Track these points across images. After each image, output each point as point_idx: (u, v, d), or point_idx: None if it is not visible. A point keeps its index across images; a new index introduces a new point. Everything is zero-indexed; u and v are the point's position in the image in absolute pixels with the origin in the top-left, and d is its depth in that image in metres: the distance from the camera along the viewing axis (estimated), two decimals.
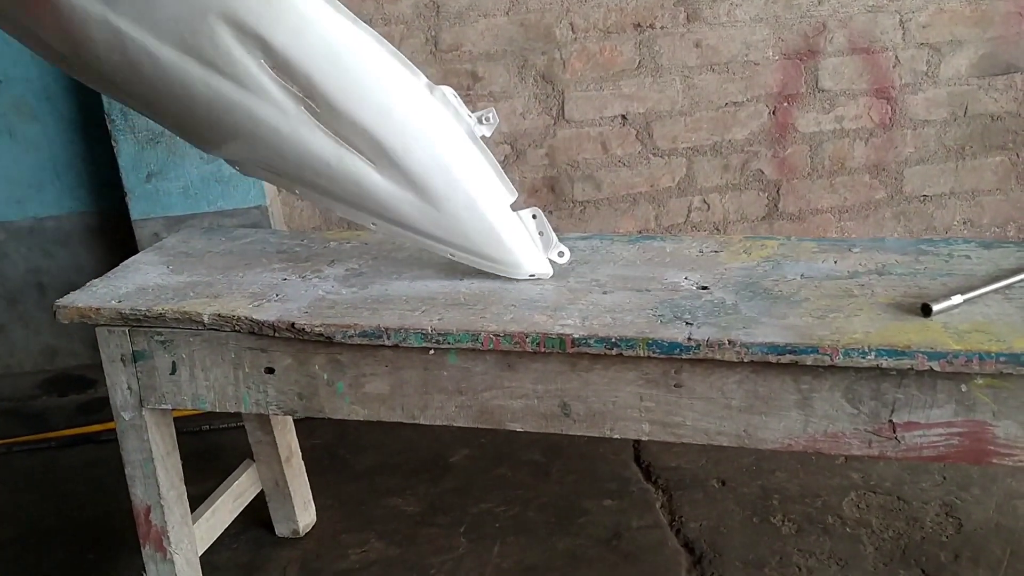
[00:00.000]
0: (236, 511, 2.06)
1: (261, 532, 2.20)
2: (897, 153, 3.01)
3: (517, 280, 1.61)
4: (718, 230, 3.06)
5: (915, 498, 2.12)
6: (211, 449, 2.54)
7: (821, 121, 2.96)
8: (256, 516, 2.19)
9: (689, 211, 3.04)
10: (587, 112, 2.91)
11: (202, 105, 1.53)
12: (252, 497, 2.12)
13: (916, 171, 3.04)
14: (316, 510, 2.23)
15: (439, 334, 1.44)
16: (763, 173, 3.00)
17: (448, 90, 1.64)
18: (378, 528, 2.19)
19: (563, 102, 2.89)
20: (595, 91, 2.89)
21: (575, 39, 2.83)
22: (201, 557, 1.89)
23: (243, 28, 1.44)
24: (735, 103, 2.93)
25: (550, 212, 2.99)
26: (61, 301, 1.67)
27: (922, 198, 3.07)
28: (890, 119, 2.97)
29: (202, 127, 1.63)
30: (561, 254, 1.63)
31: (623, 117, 2.92)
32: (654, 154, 2.96)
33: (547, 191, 2.98)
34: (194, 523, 1.87)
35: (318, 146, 1.54)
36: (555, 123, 2.91)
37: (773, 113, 2.94)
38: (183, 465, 1.84)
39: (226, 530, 2.02)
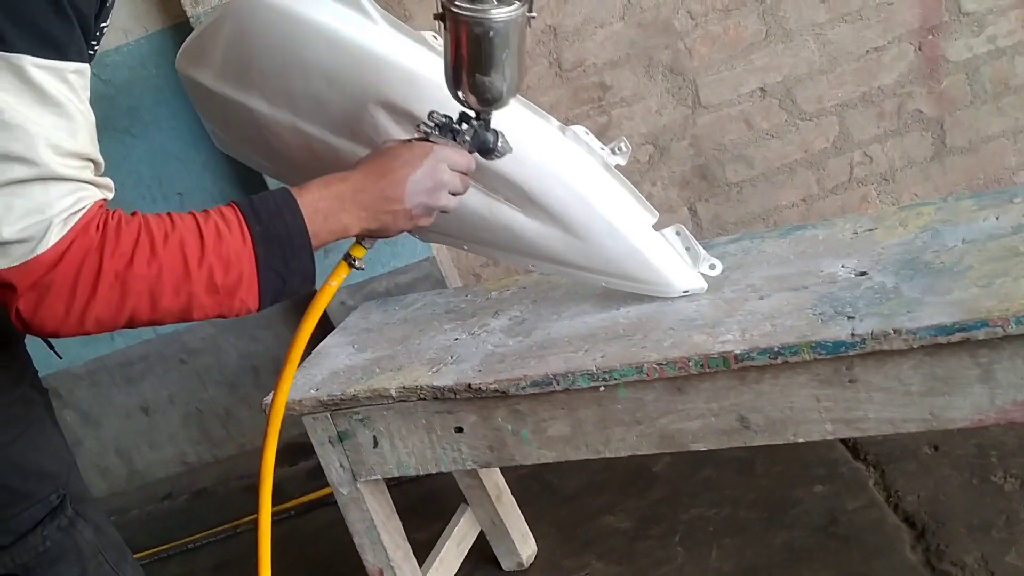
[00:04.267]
0: (462, 555, 2.18)
1: (490, 569, 2.30)
2: None
3: (672, 299, 1.63)
4: (886, 180, 2.94)
5: None
6: (431, 493, 2.68)
7: (972, 46, 2.78)
8: (482, 552, 2.29)
9: (851, 168, 2.93)
10: (723, 94, 2.87)
11: None
12: (474, 538, 2.24)
13: None
14: (535, 539, 2.32)
15: (604, 372, 1.49)
16: (921, 112, 2.86)
17: (580, 129, 1.72)
18: (596, 549, 2.25)
19: (696, 90, 2.87)
20: (727, 71, 2.84)
21: (696, 25, 2.80)
22: None
23: (395, 108, 1.61)
24: (876, 48, 2.80)
25: (706, 200, 2.97)
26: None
27: None
28: None
29: None
30: (712, 267, 1.64)
31: (761, 90, 2.86)
32: (801, 119, 2.89)
33: (698, 180, 2.96)
34: (425, 575, 2.00)
35: (473, 202, 1.66)
36: (693, 112, 2.89)
37: (919, 49, 2.80)
38: (409, 513, 1.97)
39: (457, 573, 2.14)
